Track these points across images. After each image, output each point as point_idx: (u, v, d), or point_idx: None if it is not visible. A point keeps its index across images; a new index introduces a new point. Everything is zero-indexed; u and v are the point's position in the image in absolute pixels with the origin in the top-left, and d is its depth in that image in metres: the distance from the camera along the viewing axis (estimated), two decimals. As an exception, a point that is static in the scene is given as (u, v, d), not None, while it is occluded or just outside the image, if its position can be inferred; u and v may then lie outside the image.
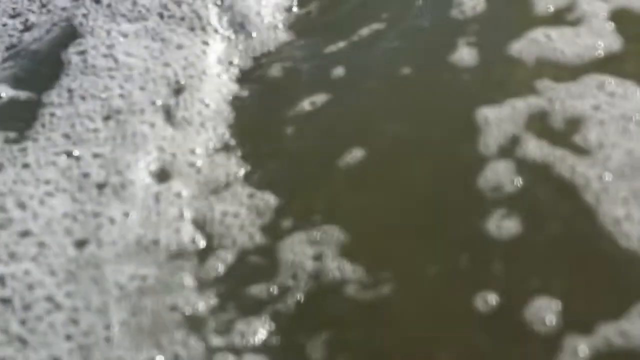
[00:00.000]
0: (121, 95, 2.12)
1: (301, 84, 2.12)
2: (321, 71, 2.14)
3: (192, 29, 2.33)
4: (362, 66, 2.12)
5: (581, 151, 1.74)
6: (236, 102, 2.12)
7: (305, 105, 2.06)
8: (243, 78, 2.19)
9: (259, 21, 2.35)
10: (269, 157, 1.95)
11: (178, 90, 2.13)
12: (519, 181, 1.72)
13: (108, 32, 2.35)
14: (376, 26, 2.22)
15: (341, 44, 2.21)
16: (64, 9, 2.51)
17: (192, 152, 1.98)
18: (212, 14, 2.37)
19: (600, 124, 1.78)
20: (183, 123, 2.05)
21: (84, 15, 2.43)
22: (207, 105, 2.10)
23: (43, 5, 2.58)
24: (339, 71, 2.12)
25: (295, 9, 2.40)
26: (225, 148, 1.99)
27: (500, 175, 1.74)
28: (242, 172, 1.93)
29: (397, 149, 1.87)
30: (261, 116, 2.08)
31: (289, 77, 2.16)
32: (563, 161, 1.73)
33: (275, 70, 2.19)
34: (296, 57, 2.21)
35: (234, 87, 2.16)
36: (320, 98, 2.06)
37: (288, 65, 2.20)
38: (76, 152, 1.98)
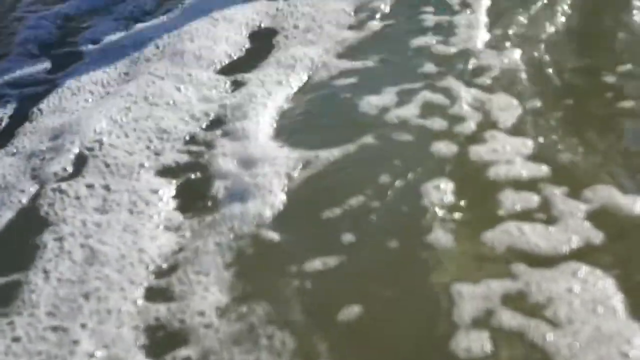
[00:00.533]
0: (98, 278, 2.55)
1: (300, 250, 2.60)
2: (320, 239, 2.65)
3: (169, 220, 2.84)
4: (356, 236, 2.63)
5: (553, 324, 2.16)
6: (235, 270, 2.56)
7: (314, 265, 2.53)
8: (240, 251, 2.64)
9: (256, 191, 2.86)
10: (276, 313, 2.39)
11: (161, 273, 2.57)
12: (490, 346, 2.15)
13: (84, 222, 2.85)
14: (362, 199, 2.76)
15: (337, 211, 2.73)
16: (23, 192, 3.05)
17: (201, 314, 2.37)
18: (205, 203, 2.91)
19: (570, 304, 2.22)
20: (180, 293, 2.46)
21: (50, 205, 2.95)
22: (205, 275, 2.52)
23: (4, 188, 3.08)
24: (338, 238, 2.62)
25: (289, 181, 2.93)
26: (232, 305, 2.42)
27: (472, 340, 2.17)
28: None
29: (385, 311, 2.33)
30: (264, 279, 2.52)
31: (290, 243, 2.65)
32: (535, 331, 2.15)
33: (274, 240, 2.67)
34: (293, 226, 2.71)
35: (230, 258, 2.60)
36: (320, 262, 2.54)
37: (287, 234, 2.69)
38: (64, 324, 2.35)
